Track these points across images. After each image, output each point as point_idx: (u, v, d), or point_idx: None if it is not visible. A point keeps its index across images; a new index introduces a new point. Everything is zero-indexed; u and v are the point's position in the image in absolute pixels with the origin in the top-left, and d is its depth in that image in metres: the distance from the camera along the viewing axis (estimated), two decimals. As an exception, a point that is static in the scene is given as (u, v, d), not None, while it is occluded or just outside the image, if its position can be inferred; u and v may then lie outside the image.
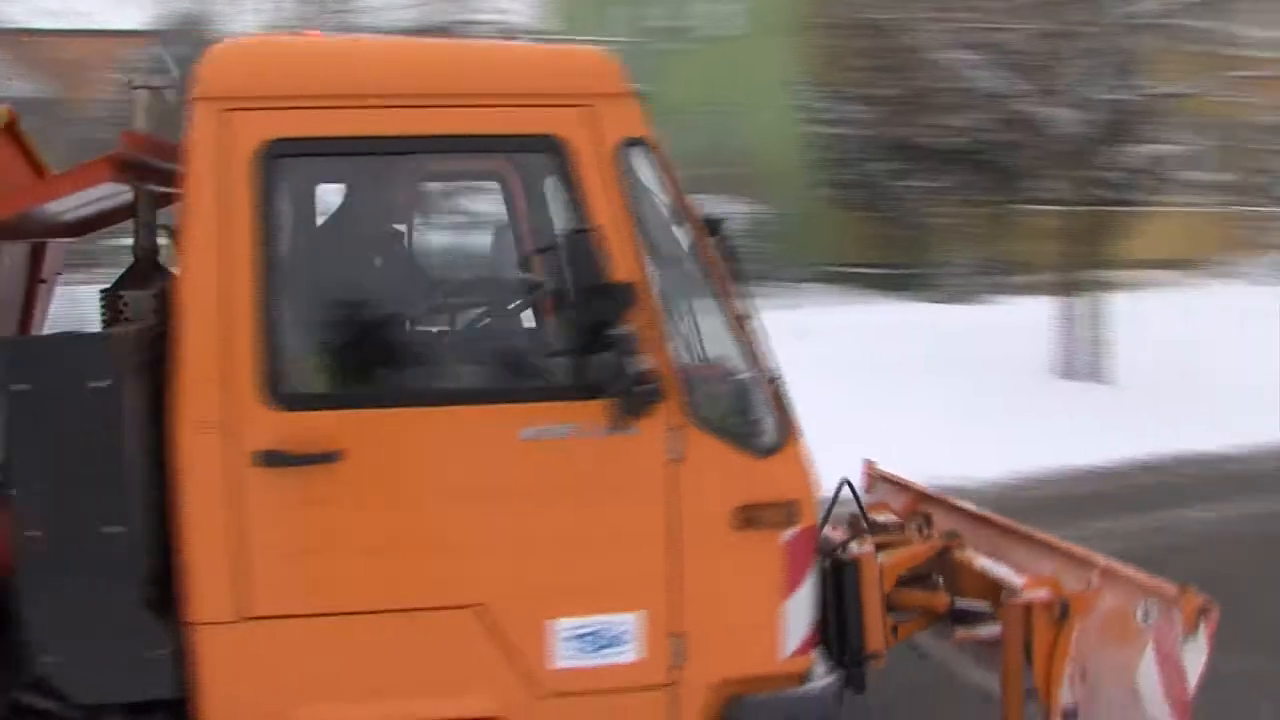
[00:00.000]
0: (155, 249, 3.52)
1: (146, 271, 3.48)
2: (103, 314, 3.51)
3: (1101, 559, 3.54)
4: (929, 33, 13.52)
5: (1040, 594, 3.48)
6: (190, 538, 2.89)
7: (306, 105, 2.89)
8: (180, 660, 2.92)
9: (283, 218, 2.93)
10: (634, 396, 2.85)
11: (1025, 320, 13.90)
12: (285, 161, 2.88)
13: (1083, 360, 12.45)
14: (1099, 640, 3.44)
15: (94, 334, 2.99)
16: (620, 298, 2.81)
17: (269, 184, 2.86)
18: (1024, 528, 3.92)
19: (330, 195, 3.48)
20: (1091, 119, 12.26)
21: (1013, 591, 3.51)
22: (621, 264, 2.91)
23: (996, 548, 3.88)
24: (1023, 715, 3.53)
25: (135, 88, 3.61)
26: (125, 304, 3.30)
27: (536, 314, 3.22)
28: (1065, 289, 13.18)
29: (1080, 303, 12.70)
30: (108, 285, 3.49)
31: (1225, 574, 5.08)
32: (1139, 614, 3.33)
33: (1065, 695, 3.48)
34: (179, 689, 2.94)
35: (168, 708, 3.01)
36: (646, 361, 2.83)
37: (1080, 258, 13.02)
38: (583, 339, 2.82)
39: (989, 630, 3.66)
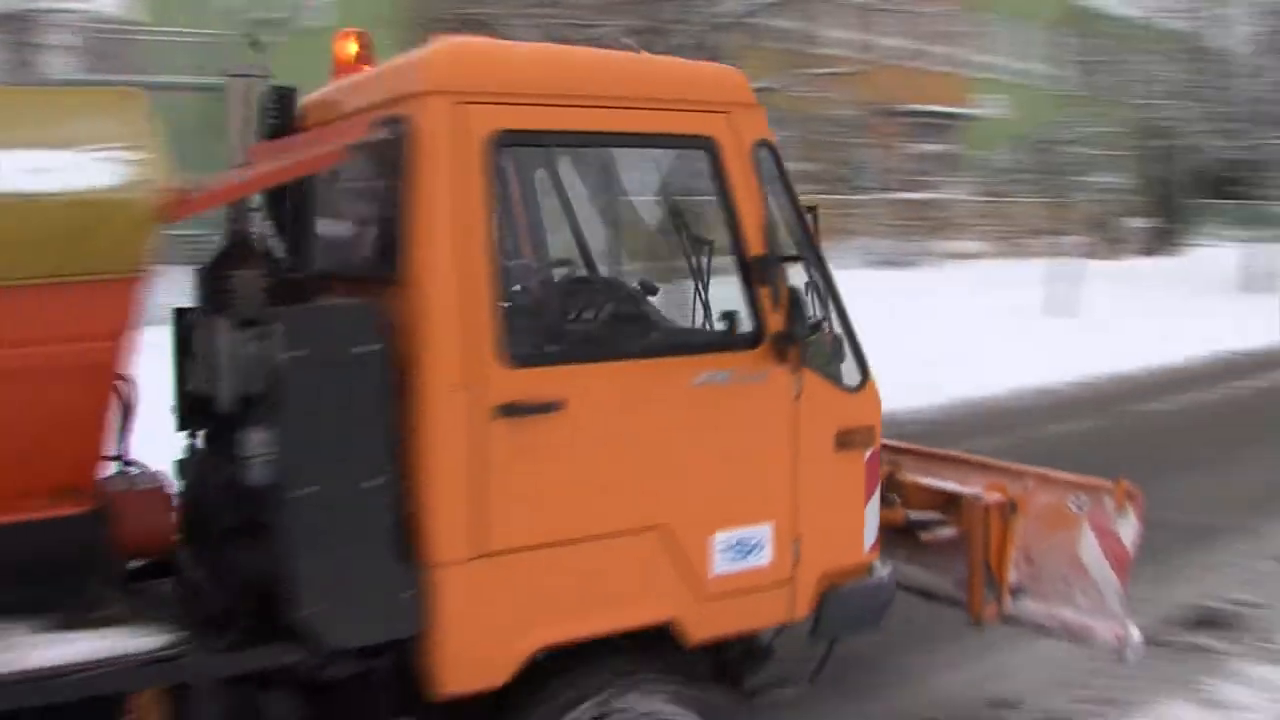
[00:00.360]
0: (249, 231, 3.72)
1: (244, 253, 3.67)
2: (202, 293, 3.67)
3: (1032, 469, 4.70)
4: (522, 29, 13.88)
5: (996, 497, 4.56)
6: (434, 486, 3.23)
7: (528, 102, 3.34)
8: (420, 600, 3.25)
9: (507, 200, 3.33)
10: (794, 345, 3.59)
11: None
12: (510, 150, 3.31)
13: None
14: (1038, 530, 4.59)
15: (359, 304, 3.23)
16: (778, 266, 3.54)
17: (497, 169, 3.28)
18: (944, 451, 5.01)
19: (542, 180, 3.84)
20: None
21: (976, 497, 4.56)
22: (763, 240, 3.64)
23: (929, 470, 4.93)
24: (983, 594, 4.58)
25: (232, 76, 3.79)
26: (233, 283, 3.51)
27: (704, 281, 3.82)
28: None
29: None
30: (203, 265, 3.67)
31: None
32: (1072, 505, 4.52)
33: (1012, 575, 4.59)
34: (417, 628, 3.26)
35: (393, 647, 3.32)
36: (805, 317, 3.58)
37: None
38: (758, 298, 3.52)
39: (946, 532, 4.68)
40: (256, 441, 3.25)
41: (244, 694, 3.21)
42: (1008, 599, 4.59)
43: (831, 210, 26.37)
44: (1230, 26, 24.83)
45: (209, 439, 3.73)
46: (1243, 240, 25.55)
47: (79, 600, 3.14)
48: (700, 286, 3.80)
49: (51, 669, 2.87)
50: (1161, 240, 32.95)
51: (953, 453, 4.98)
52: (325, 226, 3.87)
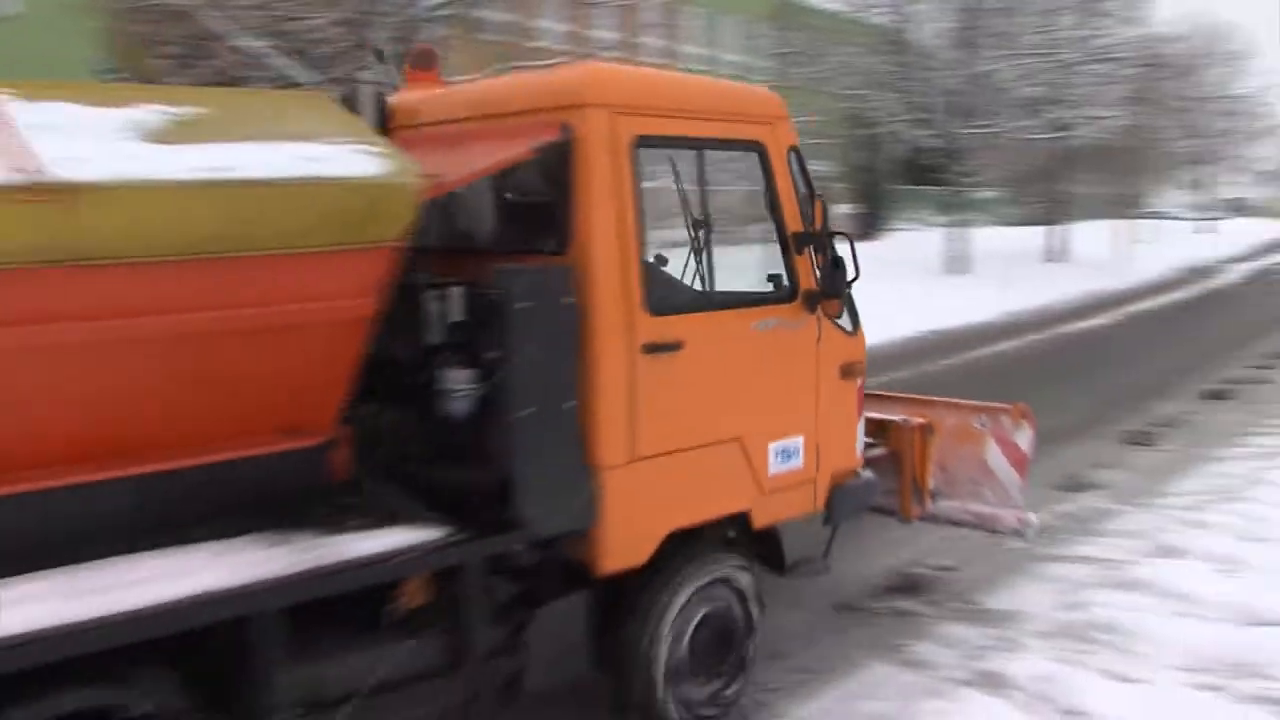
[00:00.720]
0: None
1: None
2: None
3: (941, 399, 6.16)
4: (222, 18, 13.61)
5: (920, 421, 5.96)
6: (603, 406, 4.23)
7: (655, 114, 4.40)
8: (596, 497, 4.23)
9: (640, 189, 4.36)
10: (828, 298, 4.83)
11: None
12: (645, 150, 4.36)
13: None
14: (950, 446, 6.03)
15: (564, 266, 4.14)
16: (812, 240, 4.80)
17: (638, 165, 4.32)
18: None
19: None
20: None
21: (904, 422, 5.94)
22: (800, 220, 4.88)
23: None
24: (910, 497, 5.97)
25: (363, 84, 4.61)
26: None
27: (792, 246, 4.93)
28: None
29: None
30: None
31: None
32: (976, 424, 6.01)
33: (931, 482, 6.02)
34: (594, 520, 4.24)
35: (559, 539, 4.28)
36: (841, 280, 4.83)
37: None
38: (793, 264, 4.76)
39: (878, 451, 6.00)
40: (457, 379, 4.12)
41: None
42: (929, 501, 6.02)
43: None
44: (924, 23, 26.29)
45: (385, 388, 4.45)
46: (943, 225, 28.22)
47: (325, 511, 3.92)
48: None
49: (369, 557, 3.67)
50: (867, 226, 34.86)
51: (876, 391, 6.37)
52: (477, 209, 4.73)
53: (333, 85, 12.73)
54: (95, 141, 3.38)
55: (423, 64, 5.24)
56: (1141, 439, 10.33)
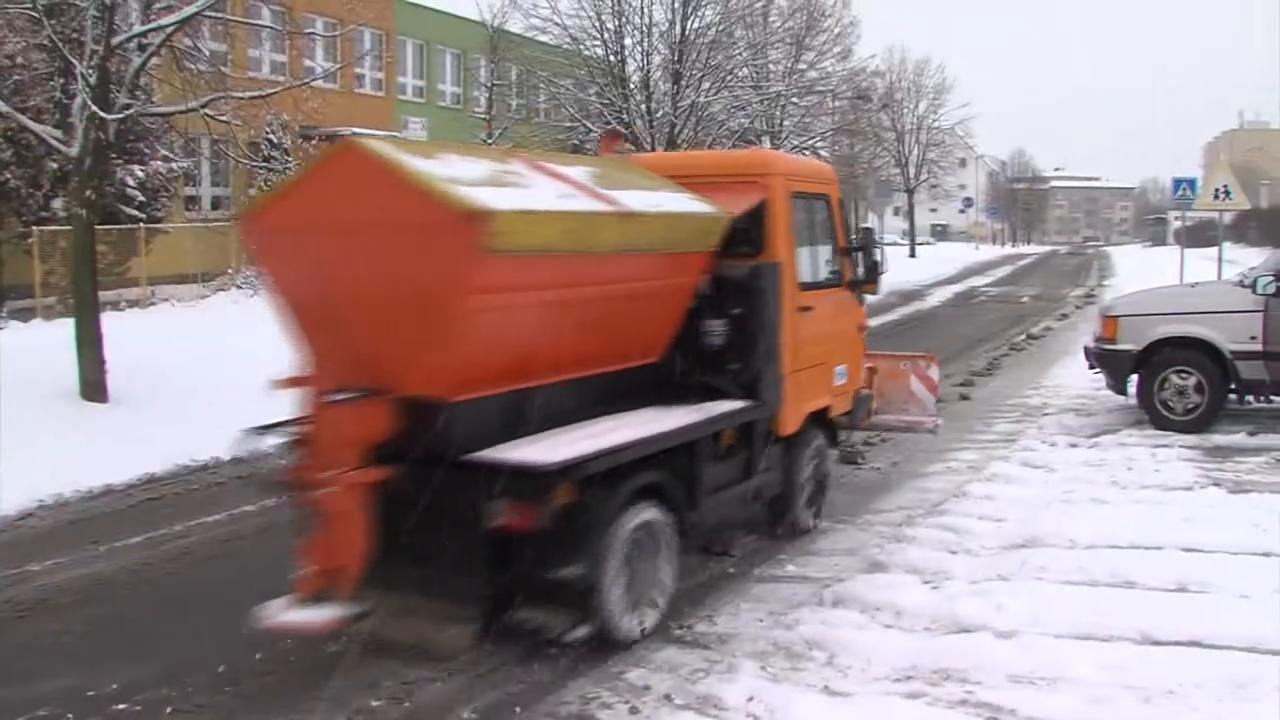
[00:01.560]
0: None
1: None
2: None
3: (880, 353, 10.04)
4: None
5: (869, 365, 9.64)
6: (784, 341, 7.60)
7: (798, 180, 7.95)
8: (782, 390, 7.63)
9: (795, 220, 7.82)
10: (865, 283, 8.56)
11: (47, 342, 13.83)
12: (796, 199, 7.82)
13: (100, 380, 12.20)
14: (885, 380, 9.92)
15: (777, 261, 7.45)
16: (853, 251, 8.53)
17: (792, 207, 7.78)
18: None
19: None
20: (90, 138, 12.19)
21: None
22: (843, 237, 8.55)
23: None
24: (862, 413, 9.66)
25: (618, 152, 7.77)
26: None
27: (835, 254, 8.51)
28: (72, 309, 13.03)
29: (88, 322, 12.33)
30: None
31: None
32: (902, 367, 9.99)
33: (874, 403, 9.75)
34: (782, 404, 7.63)
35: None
36: (876, 271, 8.58)
37: (87, 277, 12.62)
38: (842, 264, 8.48)
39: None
40: (716, 326, 7.37)
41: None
42: (872, 414, 9.77)
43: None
44: (639, 56, 27.32)
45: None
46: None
47: (680, 395, 7.03)
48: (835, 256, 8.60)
49: (726, 413, 6.98)
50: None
51: None
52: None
53: (31, 115, 13.37)
54: (612, 189, 6.42)
55: (612, 138, 8.65)
56: (850, 458, 10.62)
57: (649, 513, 6.16)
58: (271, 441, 6.15)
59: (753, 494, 7.51)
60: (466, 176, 5.56)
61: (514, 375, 5.95)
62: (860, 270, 8.64)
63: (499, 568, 5.72)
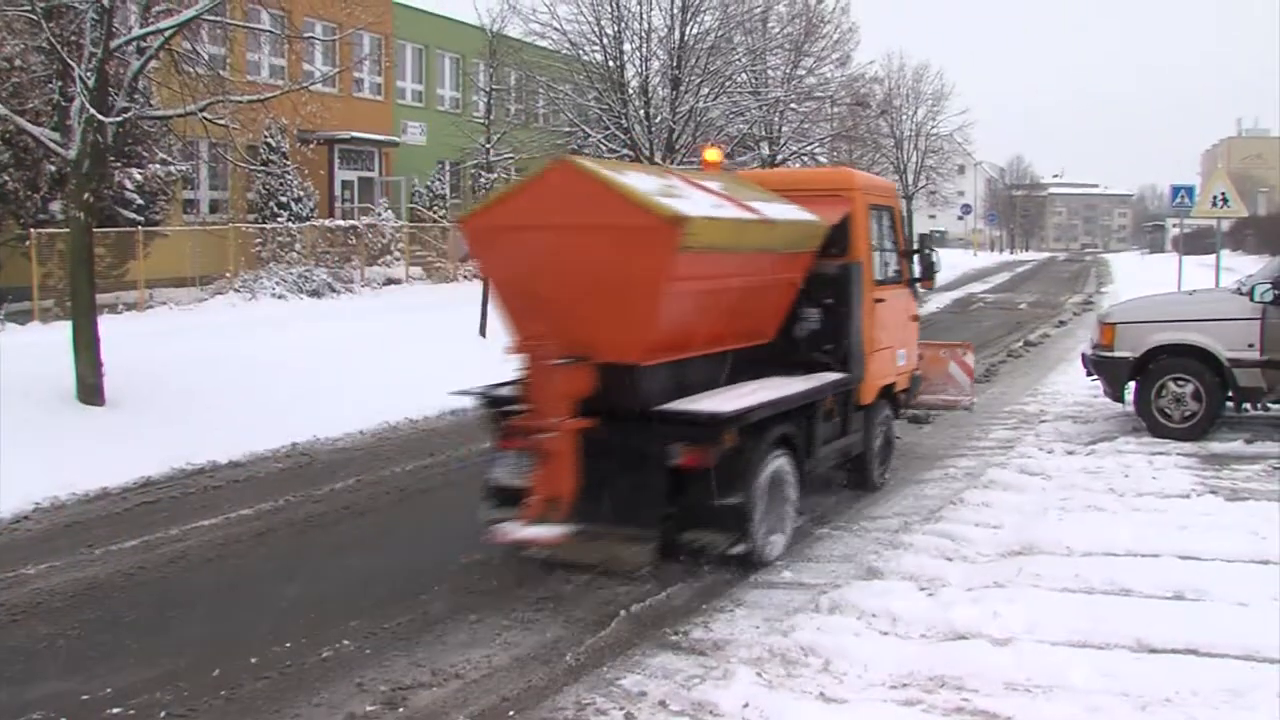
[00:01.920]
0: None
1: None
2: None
3: (926, 343, 10.88)
4: None
5: (920, 353, 10.41)
6: (866, 327, 9.11)
7: (874, 194, 9.04)
8: (865, 367, 8.97)
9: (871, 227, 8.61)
10: (921, 280, 9.47)
11: (45, 344, 13.89)
12: (873, 210, 8.55)
13: (96, 383, 12.12)
14: (928, 365, 10.71)
15: (860, 261, 8.21)
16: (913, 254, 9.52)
17: (870, 216, 8.62)
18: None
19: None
20: (88, 141, 12.11)
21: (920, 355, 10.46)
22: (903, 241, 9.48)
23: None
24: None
25: (728, 169, 8.32)
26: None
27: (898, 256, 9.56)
28: (70, 311, 12.97)
29: (86, 325, 12.24)
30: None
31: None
32: (943, 354, 10.93)
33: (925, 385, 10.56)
34: (863, 377, 9.00)
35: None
36: (932, 270, 9.40)
37: (84, 280, 12.50)
38: (903, 264, 9.46)
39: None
40: (813, 313, 8.32)
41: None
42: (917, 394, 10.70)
43: (248, 239, 25.96)
44: (638, 61, 26.92)
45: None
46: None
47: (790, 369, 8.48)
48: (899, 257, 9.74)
49: (835, 381, 8.64)
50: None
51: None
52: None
53: (30, 117, 13.43)
54: (749, 200, 7.52)
55: (712, 156, 9.63)
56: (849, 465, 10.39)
57: (781, 459, 7.69)
58: (470, 403, 7.97)
59: (844, 451, 9.02)
60: (655, 189, 7.00)
61: (682, 347, 7.43)
62: (917, 269, 10.05)
63: (674, 498, 7.08)
